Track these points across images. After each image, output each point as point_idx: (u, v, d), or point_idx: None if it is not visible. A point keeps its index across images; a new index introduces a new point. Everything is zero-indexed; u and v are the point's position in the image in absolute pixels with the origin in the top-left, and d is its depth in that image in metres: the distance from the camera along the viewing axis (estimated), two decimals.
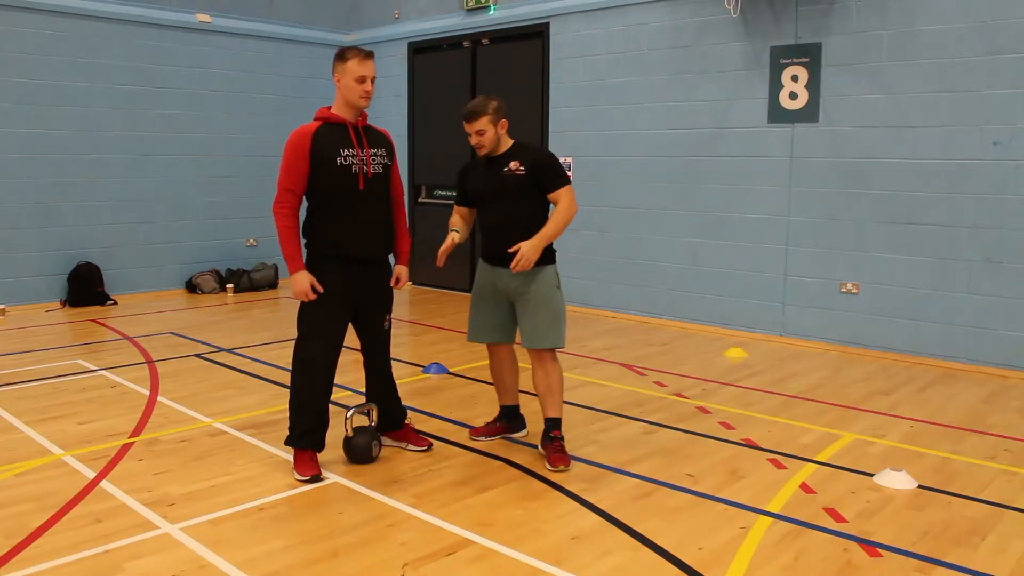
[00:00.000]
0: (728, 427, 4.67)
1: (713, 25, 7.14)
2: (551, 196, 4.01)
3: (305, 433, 3.87)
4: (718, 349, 6.64)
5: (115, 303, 8.44)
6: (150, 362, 6.03)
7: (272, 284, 9.54)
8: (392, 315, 4.15)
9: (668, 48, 7.46)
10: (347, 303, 3.87)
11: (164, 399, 5.10)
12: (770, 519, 3.43)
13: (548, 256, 4.07)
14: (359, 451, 4.00)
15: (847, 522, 3.41)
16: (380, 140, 3.95)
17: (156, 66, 8.81)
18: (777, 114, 6.81)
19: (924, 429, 4.67)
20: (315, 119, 3.83)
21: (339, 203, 3.77)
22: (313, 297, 3.76)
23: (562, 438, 4.08)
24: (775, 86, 6.80)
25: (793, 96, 6.71)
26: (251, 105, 9.59)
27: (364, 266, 3.87)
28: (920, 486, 3.80)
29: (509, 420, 4.46)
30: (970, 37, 5.85)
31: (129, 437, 4.38)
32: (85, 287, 8.27)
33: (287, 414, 3.97)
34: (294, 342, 3.91)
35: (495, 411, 4.61)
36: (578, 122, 8.14)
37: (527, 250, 3.86)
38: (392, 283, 4.06)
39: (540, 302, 4.03)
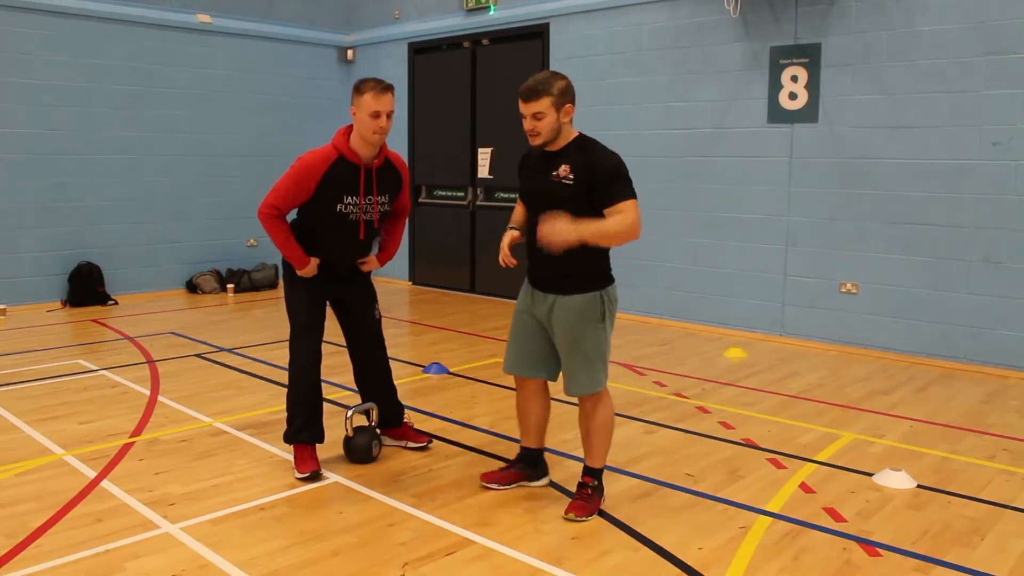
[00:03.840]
0: (728, 427, 4.67)
1: (713, 25, 7.15)
2: (607, 212, 3.22)
3: (303, 427, 3.88)
4: (718, 349, 6.64)
5: (116, 303, 8.44)
6: (151, 362, 6.04)
7: (272, 284, 9.54)
8: (381, 309, 4.18)
9: (668, 48, 7.46)
10: (326, 289, 3.92)
11: (164, 399, 5.10)
12: (770, 519, 3.43)
13: (592, 280, 3.34)
14: (359, 451, 3.99)
15: (846, 522, 3.42)
16: (388, 185, 3.85)
17: (156, 66, 8.81)
18: (777, 114, 6.82)
19: (923, 429, 4.68)
20: (333, 147, 3.67)
21: (330, 237, 3.79)
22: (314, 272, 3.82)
23: (591, 487, 3.46)
24: (775, 86, 6.80)
25: (793, 96, 6.71)
26: (251, 105, 9.59)
27: (341, 283, 3.97)
28: (919, 486, 3.81)
29: (527, 466, 3.74)
30: (970, 37, 5.86)
31: (129, 437, 4.39)
32: (86, 287, 8.27)
33: (286, 412, 3.98)
34: (288, 339, 3.97)
35: (495, 411, 4.60)
36: (578, 122, 8.03)
37: (562, 230, 3.11)
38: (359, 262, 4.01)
39: (572, 339, 3.34)
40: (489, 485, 3.71)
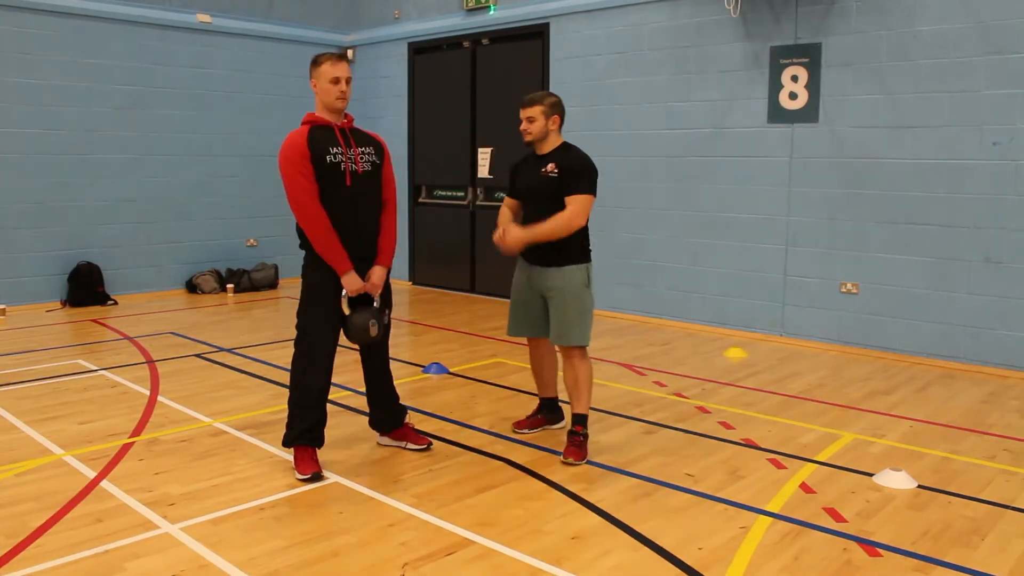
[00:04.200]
0: (728, 427, 4.67)
1: (713, 25, 7.15)
2: (567, 199, 4.03)
3: (305, 431, 3.87)
4: (718, 349, 6.64)
5: (115, 303, 8.44)
6: (150, 362, 6.03)
7: (272, 284, 9.54)
8: (391, 312, 4.11)
9: (668, 48, 7.46)
10: (340, 300, 3.87)
11: (164, 399, 5.10)
12: (770, 519, 3.43)
13: (578, 255, 4.13)
14: (356, 330, 3.85)
15: (847, 522, 3.42)
16: (368, 140, 3.97)
17: (156, 66, 8.81)
18: (777, 114, 6.82)
19: (924, 429, 4.67)
20: (303, 123, 3.86)
21: (329, 202, 3.76)
22: (364, 290, 3.83)
23: (582, 434, 4.14)
24: (775, 86, 6.80)
25: (793, 96, 6.71)
26: (251, 105, 9.59)
27: (358, 264, 3.85)
28: (920, 486, 3.80)
29: (549, 412, 4.58)
30: (970, 37, 5.85)
31: (129, 437, 4.39)
32: (85, 287, 8.27)
33: (287, 413, 3.97)
34: (294, 341, 3.92)
35: (495, 410, 4.61)
36: (578, 122, 8.12)
37: (512, 237, 4.04)
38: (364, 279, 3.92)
39: (567, 300, 4.10)
40: (522, 431, 4.49)
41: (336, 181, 3.76)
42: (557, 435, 4.46)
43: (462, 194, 9.39)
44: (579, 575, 2.95)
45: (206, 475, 3.86)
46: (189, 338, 6.86)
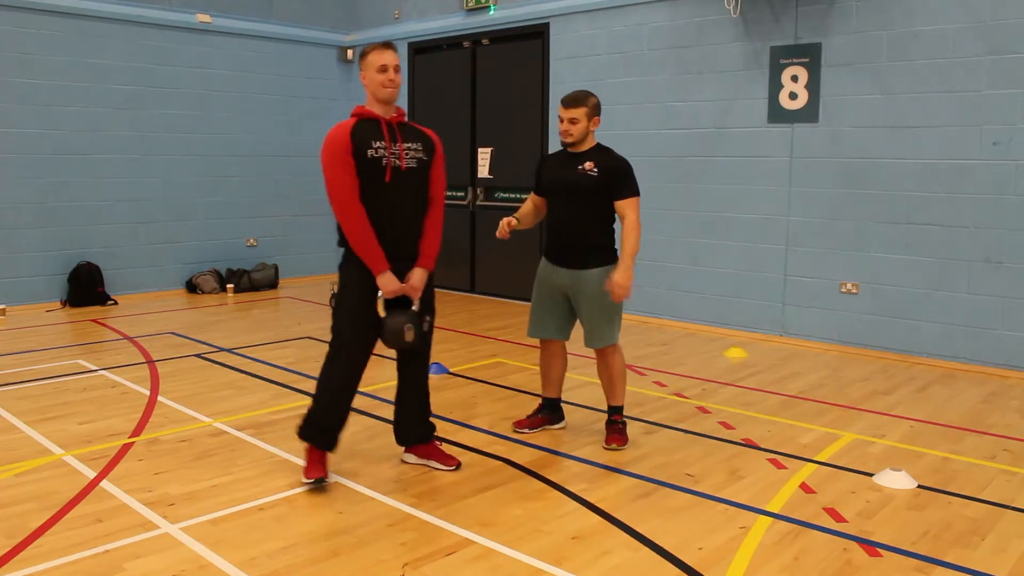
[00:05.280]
0: (728, 427, 4.67)
1: (713, 25, 7.15)
2: (618, 204, 4.11)
3: (324, 431, 3.75)
4: (718, 349, 6.64)
5: (115, 303, 8.44)
6: (150, 362, 6.03)
7: (272, 284, 9.54)
8: (434, 319, 3.95)
9: (668, 48, 7.46)
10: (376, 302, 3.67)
11: (164, 399, 5.10)
12: (770, 519, 3.43)
13: (605, 256, 4.16)
14: (392, 334, 3.63)
15: (847, 522, 3.42)
16: (418, 135, 3.80)
17: (156, 66, 8.81)
18: (777, 114, 6.82)
19: (924, 429, 4.67)
20: (351, 116, 3.72)
21: (368, 198, 3.59)
22: (401, 292, 3.65)
23: (622, 422, 4.31)
24: (775, 86, 6.80)
25: (793, 96, 6.71)
26: (251, 105, 9.59)
27: (396, 264, 3.65)
28: (920, 486, 3.80)
29: (550, 412, 4.58)
30: (970, 37, 5.85)
31: (129, 437, 4.39)
32: (85, 287, 8.27)
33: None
34: (329, 342, 3.76)
35: (495, 410, 4.60)
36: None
37: (621, 280, 3.97)
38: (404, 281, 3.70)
39: (597, 303, 4.11)
40: (522, 430, 4.47)
41: (376, 176, 3.59)
42: (557, 435, 4.46)
43: (462, 194, 9.39)
44: (579, 575, 2.95)
45: (206, 475, 3.86)
46: (189, 338, 6.86)
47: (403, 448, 4.07)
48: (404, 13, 9.90)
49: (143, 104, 8.73)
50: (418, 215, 3.77)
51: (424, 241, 3.78)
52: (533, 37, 8.55)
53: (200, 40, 9.13)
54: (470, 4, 9.03)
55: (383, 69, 3.65)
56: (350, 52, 10.39)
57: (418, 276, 3.74)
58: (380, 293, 3.64)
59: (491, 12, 8.89)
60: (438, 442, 4.13)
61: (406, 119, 3.81)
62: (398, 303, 3.69)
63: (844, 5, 6.41)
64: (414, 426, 4.02)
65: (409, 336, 3.65)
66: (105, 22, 8.43)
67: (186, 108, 9.06)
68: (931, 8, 6.01)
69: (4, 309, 7.85)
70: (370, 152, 3.59)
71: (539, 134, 8.43)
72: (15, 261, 8.01)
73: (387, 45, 3.72)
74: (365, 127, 3.65)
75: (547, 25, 8.38)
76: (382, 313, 3.66)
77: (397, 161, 3.64)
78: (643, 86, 7.64)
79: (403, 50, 9.88)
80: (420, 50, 9.78)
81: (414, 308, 3.73)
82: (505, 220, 4.19)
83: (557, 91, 8.28)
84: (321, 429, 3.76)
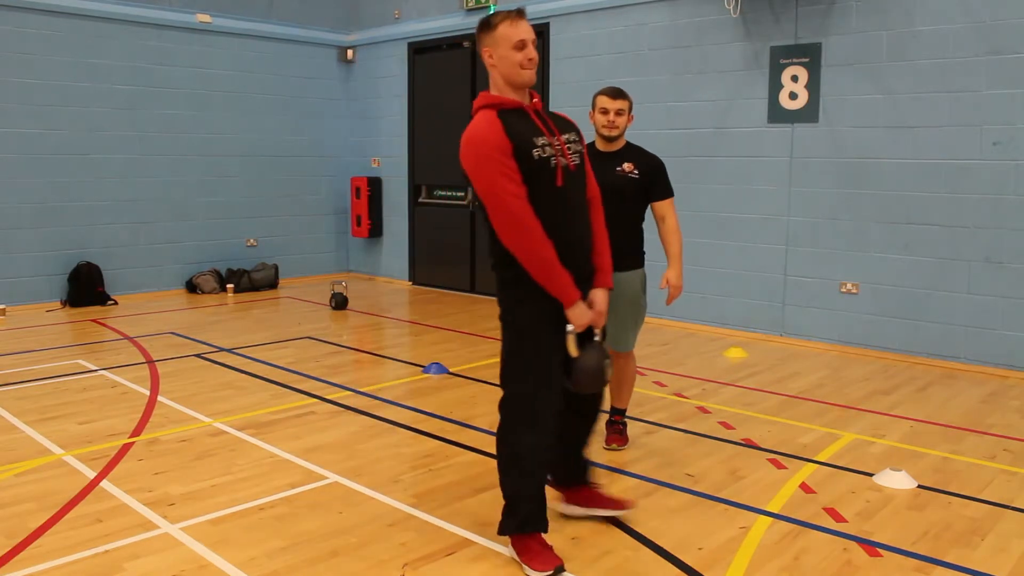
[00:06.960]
0: (728, 427, 4.67)
1: (713, 25, 7.15)
2: (658, 205, 4.02)
3: (532, 513, 2.99)
4: (718, 349, 6.64)
5: (115, 303, 8.44)
6: (150, 362, 6.03)
7: (272, 284, 9.54)
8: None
9: (668, 48, 7.46)
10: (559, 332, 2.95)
11: (164, 399, 5.10)
12: (770, 519, 3.43)
13: (634, 259, 4.06)
14: (590, 374, 2.99)
15: (847, 522, 3.41)
16: (567, 125, 3.14)
17: (156, 66, 8.81)
18: (777, 114, 6.82)
19: (924, 429, 4.67)
20: (482, 107, 3.01)
21: (538, 209, 2.85)
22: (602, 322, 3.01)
23: (623, 423, 4.36)
24: (775, 86, 6.80)
25: (793, 96, 6.71)
26: (251, 105, 9.59)
27: (578, 287, 2.94)
28: (920, 486, 3.80)
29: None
30: (970, 37, 5.85)
31: (129, 437, 4.39)
32: (85, 287, 8.27)
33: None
34: (500, 400, 3.05)
35: (495, 411, 4.55)
36: (578, 122, 8.11)
37: (677, 281, 3.99)
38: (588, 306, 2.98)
39: (625, 306, 4.02)
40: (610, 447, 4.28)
41: (545, 181, 2.87)
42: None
43: (462, 194, 9.38)
44: (579, 575, 2.95)
45: (206, 475, 3.86)
46: (189, 338, 6.86)
47: (562, 498, 3.38)
48: (404, 13, 9.90)
49: (143, 104, 8.73)
50: (588, 223, 3.08)
51: (598, 255, 3.08)
52: None
53: (200, 40, 9.13)
54: (470, 4, 9.03)
55: (521, 45, 2.97)
56: (350, 52, 10.40)
57: (601, 299, 3.02)
58: (570, 327, 2.92)
59: (491, 12, 8.88)
60: (597, 484, 3.45)
61: (542, 103, 3.09)
62: (585, 336, 3.01)
63: (844, 5, 6.41)
64: (578, 461, 3.37)
65: (609, 375, 3.06)
66: (105, 22, 8.43)
67: (186, 108, 9.06)
68: (931, 8, 6.01)
69: (4, 309, 7.85)
70: (536, 152, 2.87)
71: None
72: (15, 261, 8.01)
73: (520, 13, 3.00)
74: (515, 119, 2.94)
75: (547, 25, 8.38)
76: (574, 352, 2.95)
77: (564, 159, 2.94)
78: (643, 86, 7.64)
79: (403, 50, 9.89)
80: (420, 50, 9.77)
81: (597, 338, 3.02)
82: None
83: (557, 91, 8.29)
84: (532, 512, 3.00)
